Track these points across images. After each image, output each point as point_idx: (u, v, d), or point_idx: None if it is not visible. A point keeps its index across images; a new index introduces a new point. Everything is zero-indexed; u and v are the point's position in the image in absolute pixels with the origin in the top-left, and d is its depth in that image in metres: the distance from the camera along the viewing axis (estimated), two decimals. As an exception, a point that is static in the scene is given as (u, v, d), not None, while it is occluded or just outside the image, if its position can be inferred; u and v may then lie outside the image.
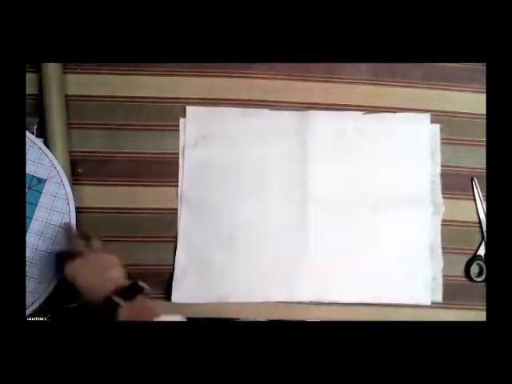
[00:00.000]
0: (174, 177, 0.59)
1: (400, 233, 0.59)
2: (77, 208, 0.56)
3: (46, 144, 0.56)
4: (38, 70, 0.57)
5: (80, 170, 0.59)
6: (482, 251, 0.60)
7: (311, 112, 0.61)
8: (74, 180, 0.58)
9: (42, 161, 0.56)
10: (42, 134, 0.57)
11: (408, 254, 0.59)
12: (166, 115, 0.60)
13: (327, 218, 0.59)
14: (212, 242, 0.58)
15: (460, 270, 0.60)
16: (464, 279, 0.60)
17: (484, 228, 0.60)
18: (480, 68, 0.62)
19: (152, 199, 0.59)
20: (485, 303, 0.58)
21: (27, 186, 0.55)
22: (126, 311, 0.43)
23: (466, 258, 0.60)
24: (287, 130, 0.60)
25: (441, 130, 0.61)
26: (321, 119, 0.60)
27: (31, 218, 0.55)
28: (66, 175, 0.56)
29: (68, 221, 0.55)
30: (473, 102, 0.62)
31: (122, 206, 0.59)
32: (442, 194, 0.61)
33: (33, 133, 0.57)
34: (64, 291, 0.54)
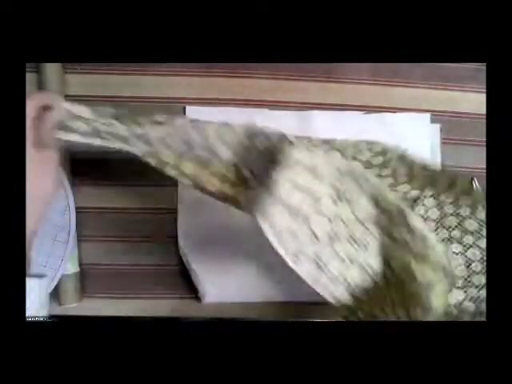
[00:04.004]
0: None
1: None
2: (77, 208, 0.56)
3: (46, 144, 0.56)
4: (38, 70, 0.57)
5: (80, 170, 0.59)
6: (481, 251, 0.60)
7: (311, 112, 0.61)
8: (74, 180, 0.58)
9: (42, 161, 0.55)
10: (42, 134, 0.57)
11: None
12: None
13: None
14: (212, 243, 0.58)
15: (460, 270, 0.60)
16: (464, 279, 0.60)
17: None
18: (480, 68, 0.62)
19: (152, 199, 0.59)
20: (485, 303, 0.58)
21: (27, 186, 0.55)
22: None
23: (466, 258, 0.60)
24: (287, 130, 0.60)
25: (441, 130, 0.61)
26: (321, 119, 0.60)
27: (31, 218, 0.55)
28: (66, 175, 0.56)
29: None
30: (473, 101, 0.62)
31: (122, 205, 0.59)
32: (442, 193, 0.61)
33: (33, 133, 0.57)
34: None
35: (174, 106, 0.60)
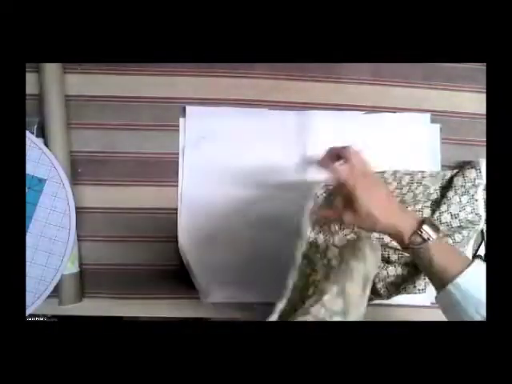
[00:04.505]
0: (174, 177, 0.59)
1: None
2: (77, 208, 0.56)
3: (46, 144, 0.56)
4: (38, 70, 0.57)
5: (80, 170, 0.59)
6: (482, 251, 0.60)
7: (311, 112, 0.61)
8: (74, 180, 0.58)
9: (42, 161, 0.56)
10: (42, 134, 0.57)
11: (408, 254, 0.59)
12: (166, 115, 0.60)
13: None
14: (212, 243, 0.58)
15: (460, 270, 0.60)
16: (464, 279, 0.60)
17: (484, 228, 0.60)
18: (480, 68, 0.62)
19: (152, 199, 0.59)
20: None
21: (27, 186, 0.55)
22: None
23: (465, 258, 0.60)
24: (287, 129, 0.60)
25: (441, 129, 0.61)
26: (321, 119, 0.60)
27: (31, 218, 0.55)
28: (66, 175, 0.56)
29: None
30: (473, 101, 0.62)
31: (122, 205, 0.59)
32: (442, 194, 0.60)
33: (33, 133, 0.57)
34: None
35: (174, 106, 0.60)
